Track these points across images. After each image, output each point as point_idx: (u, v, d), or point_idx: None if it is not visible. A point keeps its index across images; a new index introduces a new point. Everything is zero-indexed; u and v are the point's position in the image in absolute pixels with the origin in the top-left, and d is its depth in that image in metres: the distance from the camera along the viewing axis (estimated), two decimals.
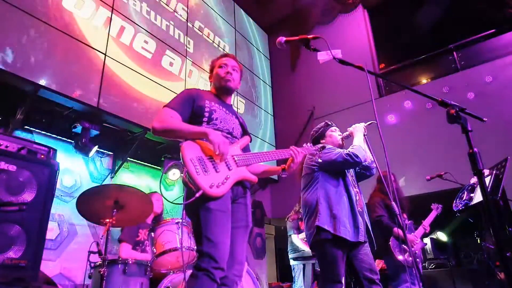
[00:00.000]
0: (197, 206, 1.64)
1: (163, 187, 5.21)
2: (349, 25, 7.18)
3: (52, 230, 3.75)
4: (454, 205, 3.24)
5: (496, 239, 1.27)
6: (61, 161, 2.19)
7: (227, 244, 1.65)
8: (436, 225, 4.91)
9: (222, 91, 2.06)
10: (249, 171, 1.86)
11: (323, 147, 2.18)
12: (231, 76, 2.03)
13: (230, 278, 1.71)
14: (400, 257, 3.36)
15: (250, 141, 2.04)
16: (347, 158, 2.37)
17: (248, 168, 1.86)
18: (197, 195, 1.59)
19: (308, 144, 2.14)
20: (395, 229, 3.42)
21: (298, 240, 4.30)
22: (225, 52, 6.36)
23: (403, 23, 6.80)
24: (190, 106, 1.88)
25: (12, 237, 1.82)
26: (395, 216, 3.37)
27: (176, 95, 1.96)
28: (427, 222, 3.76)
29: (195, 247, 2.57)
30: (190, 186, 1.65)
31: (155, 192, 3.71)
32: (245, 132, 2.06)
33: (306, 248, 4.18)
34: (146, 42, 4.93)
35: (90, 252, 2.52)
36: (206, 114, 1.87)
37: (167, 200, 1.86)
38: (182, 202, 1.65)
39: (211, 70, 2.12)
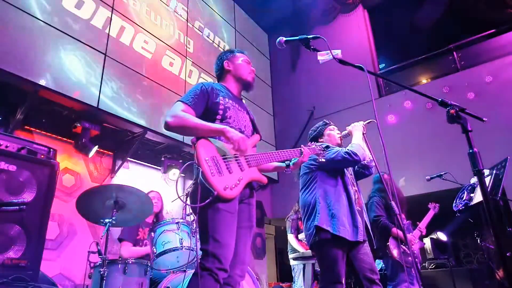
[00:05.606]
0: (205, 205, 1.62)
1: (163, 187, 5.21)
2: (349, 25, 7.18)
3: (52, 230, 3.75)
4: (454, 205, 3.24)
5: (496, 239, 1.27)
6: (61, 161, 2.19)
7: (232, 245, 1.65)
8: (436, 225, 4.90)
9: (244, 85, 2.05)
10: (258, 169, 1.85)
11: (327, 147, 2.17)
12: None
13: (233, 278, 1.70)
14: (398, 257, 3.36)
15: (260, 139, 2.00)
16: (346, 156, 2.36)
17: (258, 167, 1.86)
18: (211, 197, 1.57)
19: (313, 143, 2.14)
20: (394, 229, 3.42)
21: (294, 240, 4.29)
22: None
23: (403, 23, 6.80)
24: (205, 102, 1.83)
25: (12, 237, 1.82)
26: (394, 216, 3.38)
27: (190, 89, 1.91)
28: (423, 223, 3.75)
29: (195, 247, 2.59)
30: (204, 186, 1.61)
31: (152, 191, 3.71)
32: (255, 129, 2.05)
33: (301, 249, 4.19)
34: (146, 42, 4.93)
35: (90, 252, 2.52)
36: (220, 112, 1.84)
37: (188, 205, 1.77)
38: (196, 204, 1.60)
39: (229, 59, 2.06)
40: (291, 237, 4.34)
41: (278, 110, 7.61)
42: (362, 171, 2.73)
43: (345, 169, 2.54)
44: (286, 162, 2.04)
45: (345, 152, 2.38)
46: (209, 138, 1.73)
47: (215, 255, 1.57)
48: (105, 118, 4.20)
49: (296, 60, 7.69)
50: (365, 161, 2.59)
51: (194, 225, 2.73)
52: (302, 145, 2.01)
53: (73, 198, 3.91)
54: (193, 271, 1.79)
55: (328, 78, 6.79)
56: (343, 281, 2.24)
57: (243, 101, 2.13)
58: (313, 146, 2.09)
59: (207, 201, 1.58)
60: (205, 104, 1.84)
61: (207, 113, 1.83)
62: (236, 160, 1.74)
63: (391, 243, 3.43)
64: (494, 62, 5.43)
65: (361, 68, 1.73)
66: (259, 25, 8.09)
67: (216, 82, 2.12)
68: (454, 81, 5.68)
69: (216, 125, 1.74)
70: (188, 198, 1.78)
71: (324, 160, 2.14)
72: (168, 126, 1.71)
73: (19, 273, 1.73)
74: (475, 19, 6.07)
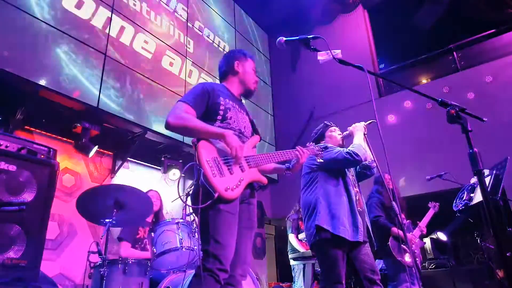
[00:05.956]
0: (207, 205, 1.62)
1: (163, 187, 5.21)
2: (349, 25, 7.18)
3: (52, 230, 3.75)
4: (454, 205, 3.24)
5: (496, 239, 1.27)
6: (61, 161, 2.19)
7: (233, 246, 1.65)
8: (436, 225, 4.90)
9: (246, 92, 2.07)
10: (258, 170, 1.86)
11: (326, 147, 2.18)
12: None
13: (235, 277, 1.70)
14: (399, 257, 3.36)
15: (260, 140, 2.01)
16: (347, 156, 2.36)
17: (258, 168, 1.87)
18: (213, 199, 1.58)
19: (312, 144, 2.15)
20: (394, 228, 3.42)
21: (295, 240, 4.30)
22: (225, 52, 6.38)
23: (403, 23, 6.80)
24: (205, 102, 1.84)
25: (12, 237, 1.81)
26: (395, 216, 3.38)
27: (191, 89, 1.91)
28: (424, 222, 3.76)
29: (195, 247, 2.60)
30: (205, 187, 1.61)
31: (151, 190, 3.71)
32: (254, 130, 2.05)
33: (301, 249, 4.19)
34: (146, 42, 4.93)
35: (90, 252, 2.52)
36: (221, 112, 1.84)
37: (189, 206, 1.78)
38: (197, 205, 1.61)
39: (241, 61, 2.05)
40: (291, 237, 4.34)
41: (278, 110, 7.61)
42: (364, 172, 2.73)
43: (346, 170, 2.54)
44: (286, 164, 2.05)
45: (347, 152, 2.38)
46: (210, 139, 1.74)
47: (216, 256, 1.57)
48: (105, 118, 4.20)
49: (296, 60, 7.69)
50: (366, 162, 2.59)
51: (194, 225, 2.73)
52: (298, 147, 2.00)
53: (73, 198, 3.92)
54: (193, 271, 1.79)
55: (328, 78, 6.78)
56: (343, 281, 2.25)
57: (243, 101, 2.13)
58: (311, 147, 2.09)
59: (208, 202, 1.58)
60: (206, 104, 1.84)
61: (207, 113, 1.84)
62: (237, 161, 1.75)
63: (391, 243, 3.43)
64: (494, 62, 5.43)
65: (361, 68, 1.73)
66: (259, 25, 8.09)
67: (217, 81, 2.12)
68: (454, 81, 5.68)
69: (217, 129, 1.75)
70: (189, 199, 1.79)
71: (322, 160, 2.14)
72: (169, 126, 1.71)
73: (19, 273, 1.73)
74: (475, 19, 6.07)
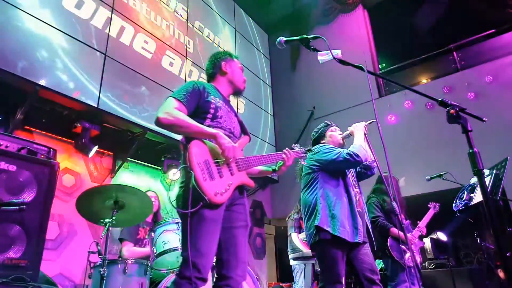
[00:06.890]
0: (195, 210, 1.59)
1: (163, 187, 5.22)
2: (349, 25, 7.18)
3: (52, 230, 3.74)
4: (454, 205, 3.24)
5: (496, 239, 1.27)
6: (61, 161, 2.19)
7: (213, 254, 1.63)
8: (436, 225, 4.91)
9: (235, 91, 2.07)
10: (246, 172, 1.86)
11: (309, 150, 2.23)
12: None
13: (235, 279, 1.68)
14: (398, 257, 3.36)
15: (249, 141, 2.00)
16: (347, 158, 2.36)
17: (247, 170, 1.87)
18: (201, 203, 1.56)
19: (298, 146, 2.16)
20: (393, 229, 3.42)
21: (297, 239, 4.30)
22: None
23: (403, 23, 6.80)
24: (196, 100, 1.81)
25: (12, 237, 1.82)
26: (395, 216, 3.38)
27: (182, 85, 1.87)
28: (423, 222, 3.75)
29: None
30: (195, 191, 1.57)
31: (149, 190, 3.71)
32: (243, 130, 2.05)
33: (304, 248, 4.19)
34: (146, 42, 4.93)
35: (90, 252, 2.52)
36: (212, 111, 1.82)
37: (180, 211, 1.68)
38: (186, 209, 1.58)
39: (227, 61, 2.06)
40: (294, 236, 4.34)
41: (278, 110, 7.61)
42: (364, 172, 2.72)
43: (347, 171, 2.54)
44: (272, 167, 2.07)
45: (347, 153, 2.38)
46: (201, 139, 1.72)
47: (194, 264, 1.54)
48: (105, 118, 4.20)
49: (296, 60, 7.69)
50: (366, 162, 2.59)
51: None
52: (286, 149, 2.02)
53: (73, 198, 3.91)
54: None
55: (328, 78, 6.78)
56: (343, 281, 2.24)
57: (242, 101, 2.14)
58: (297, 149, 2.11)
59: (198, 207, 1.55)
60: (197, 102, 1.81)
61: (198, 111, 1.81)
62: (227, 163, 1.73)
63: (390, 243, 3.43)
64: (494, 62, 5.42)
65: (361, 68, 1.73)
66: (259, 25, 8.09)
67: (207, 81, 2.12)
68: (454, 81, 5.68)
69: (209, 129, 1.72)
70: (175, 202, 1.72)
71: (304, 163, 2.16)
72: (159, 123, 1.66)
73: (19, 273, 1.73)
74: (475, 19, 6.07)
